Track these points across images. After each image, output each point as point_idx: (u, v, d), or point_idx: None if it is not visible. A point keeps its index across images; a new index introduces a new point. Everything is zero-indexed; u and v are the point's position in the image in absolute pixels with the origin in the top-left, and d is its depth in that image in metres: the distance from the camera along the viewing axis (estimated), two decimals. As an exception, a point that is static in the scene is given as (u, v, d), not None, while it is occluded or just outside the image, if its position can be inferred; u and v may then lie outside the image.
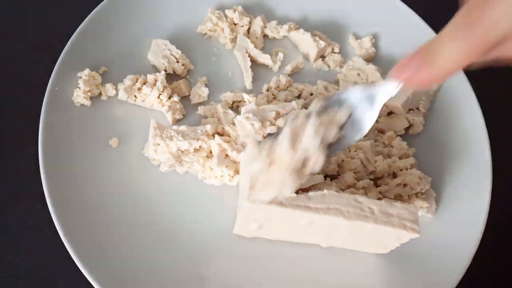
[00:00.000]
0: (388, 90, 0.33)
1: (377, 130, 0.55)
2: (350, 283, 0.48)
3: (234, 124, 0.51)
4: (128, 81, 0.52)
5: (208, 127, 0.50)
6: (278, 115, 0.50)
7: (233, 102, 0.55)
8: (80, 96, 0.51)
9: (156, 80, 0.53)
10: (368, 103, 0.34)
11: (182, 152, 0.49)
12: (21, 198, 0.52)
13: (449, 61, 0.25)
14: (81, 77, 0.52)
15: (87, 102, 0.52)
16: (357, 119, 0.35)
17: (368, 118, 0.35)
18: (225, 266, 0.47)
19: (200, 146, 0.49)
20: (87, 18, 0.54)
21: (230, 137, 0.51)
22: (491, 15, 0.23)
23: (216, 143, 0.49)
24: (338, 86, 0.59)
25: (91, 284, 0.43)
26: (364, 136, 0.52)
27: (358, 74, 0.58)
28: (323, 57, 0.62)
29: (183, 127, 0.50)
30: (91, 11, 0.55)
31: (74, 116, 0.51)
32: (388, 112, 0.57)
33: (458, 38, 0.25)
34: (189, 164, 0.50)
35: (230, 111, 0.53)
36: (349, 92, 0.35)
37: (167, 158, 0.49)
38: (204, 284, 0.46)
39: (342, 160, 0.51)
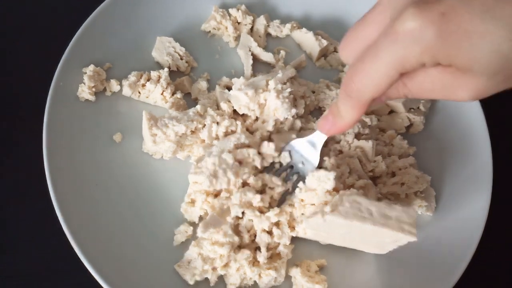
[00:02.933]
0: (320, 137, 0.48)
1: (378, 129, 0.56)
2: (349, 281, 0.48)
3: (229, 101, 0.52)
4: (132, 77, 0.53)
5: (199, 107, 0.51)
6: (267, 83, 0.52)
7: (228, 87, 0.56)
8: (84, 92, 0.52)
9: (159, 77, 0.53)
10: (312, 146, 0.49)
11: (180, 136, 0.50)
12: (22, 197, 0.53)
13: (347, 118, 0.37)
14: (86, 73, 0.52)
15: (92, 98, 0.52)
16: (307, 158, 0.50)
17: (314, 157, 0.49)
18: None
19: (195, 128, 0.50)
20: (92, 14, 0.55)
21: (224, 111, 0.52)
22: (357, 85, 0.32)
23: (209, 115, 0.50)
24: (340, 85, 0.59)
25: (92, 284, 0.43)
26: (365, 135, 0.53)
27: None
28: (325, 56, 0.62)
29: (174, 113, 0.50)
30: (97, 6, 0.55)
31: (79, 111, 0.51)
32: (389, 111, 0.57)
33: (344, 103, 0.35)
34: (189, 147, 0.51)
35: (226, 91, 0.54)
36: (295, 142, 0.50)
37: (167, 146, 0.49)
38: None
39: (341, 152, 0.51)
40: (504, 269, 0.56)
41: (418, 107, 0.57)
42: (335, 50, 0.62)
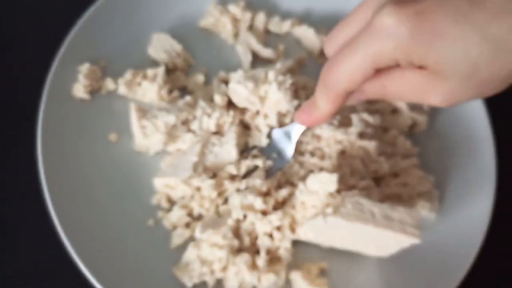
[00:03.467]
0: (297, 129, 0.46)
1: (381, 129, 0.55)
2: (350, 284, 0.48)
3: (225, 95, 0.52)
4: (128, 75, 0.52)
5: (188, 98, 0.50)
6: (266, 76, 0.51)
7: (225, 81, 0.55)
8: (80, 90, 0.51)
9: (156, 75, 0.53)
10: (286, 138, 0.47)
11: (171, 128, 0.49)
12: (20, 197, 0.52)
13: (324, 109, 0.37)
14: (81, 71, 0.51)
15: (87, 97, 0.51)
16: (281, 151, 0.48)
17: (288, 150, 0.47)
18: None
19: (186, 118, 0.49)
20: (88, 11, 0.53)
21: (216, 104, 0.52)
22: (333, 76, 0.33)
23: (200, 107, 0.50)
24: None
25: (90, 284, 0.43)
26: (369, 134, 0.52)
27: None
28: (326, 53, 0.61)
29: (164, 104, 0.50)
30: (93, 4, 0.54)
31: (74, 111, 0.50)
32: (392, 110, 0.56)
33: (321, 93, 0.36)
34: (180, 139, 0.50)
35: (223, 84, 0.53)
36: (274, 132, 0.49)
37: (158, 138, 0.48)
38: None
39: (343, 152, 0.50)
40: (508, 270, 0.56)
41: (422, 106, 0.56)
42: (336, 47, 0.61)
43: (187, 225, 0.48)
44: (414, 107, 0.56)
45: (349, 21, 0.34)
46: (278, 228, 0.46)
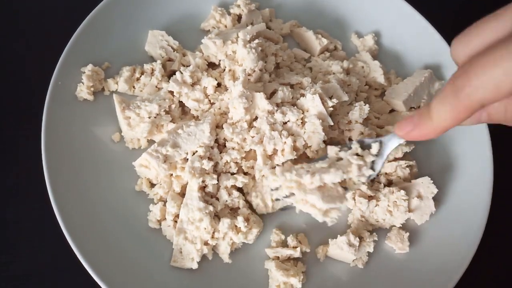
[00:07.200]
0: (393, 142, 0.41)
1: (377, 126, 0.55)
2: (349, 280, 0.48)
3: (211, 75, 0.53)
4: (126, 72, 0.53)
5: (170, 85, 0.51)
6: (237, 36, 0.53)
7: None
8: (83, 91, 0.51)
9: (153, 69, 0.53)
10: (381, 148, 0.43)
11: (155, 117, 0.50)
12: (22, 197, 0.53)
13: (440, 121, 0.30)
14: (84, 72, 0.52)
15: (90, 97, 0.52)
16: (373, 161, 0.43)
17: (378, 163, 0.43)
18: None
19: (169, 106, 0.50)
20: (91, 14, 0.54)
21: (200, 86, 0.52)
22: (473, 82, 0.26)
23: (174, 90, 0.51)
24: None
25: (92, 284, 0.43)
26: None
27: (362, 67, 0.59)
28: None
29: (146, 95, 0.51)
30: (95, 6, 0.55)
31: (77, 111, 0.51)
32: (389, 110, 0.57)
33: (446, 102, 0.29)
34: (166, 127, 0.50)
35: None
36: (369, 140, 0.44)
37: (142, 128, 0.49)
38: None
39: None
40: (504, 270, 0.56)
41: (419, 106, 0.57)
42: (335, 49, 0.62)
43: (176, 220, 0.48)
44: (412, 107, 0.56)
45: (491, 23, 0.28)
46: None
